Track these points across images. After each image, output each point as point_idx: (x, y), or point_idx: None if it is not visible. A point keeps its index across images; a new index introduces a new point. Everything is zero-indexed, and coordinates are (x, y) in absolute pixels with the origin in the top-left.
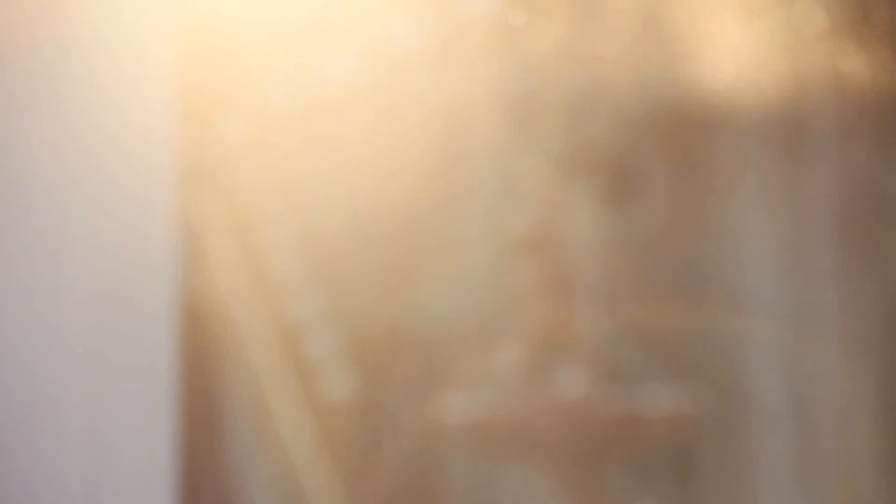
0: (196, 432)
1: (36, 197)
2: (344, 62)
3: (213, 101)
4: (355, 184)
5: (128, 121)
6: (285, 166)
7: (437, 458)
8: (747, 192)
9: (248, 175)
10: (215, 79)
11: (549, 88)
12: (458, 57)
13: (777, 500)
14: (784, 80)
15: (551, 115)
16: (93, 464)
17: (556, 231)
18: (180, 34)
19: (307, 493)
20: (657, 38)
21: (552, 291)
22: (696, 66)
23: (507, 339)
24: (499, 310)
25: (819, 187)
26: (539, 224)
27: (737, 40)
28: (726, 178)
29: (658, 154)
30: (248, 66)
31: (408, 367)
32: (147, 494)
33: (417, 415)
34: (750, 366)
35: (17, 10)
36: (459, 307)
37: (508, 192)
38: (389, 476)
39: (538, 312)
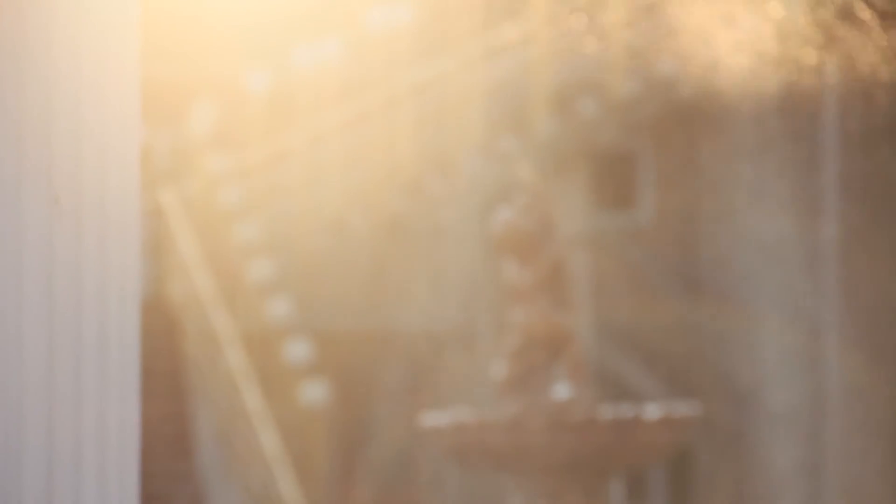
0: (168, 436)
1: None
2: (321, 48)
3: (182, 92)
4: (332, 179)
5: (90, 116)
6: (258, 159)
7: (420, 465)
8: (745, 187)
9: (219, 168)
10: (185, 71)
11: (536, 77)
12: (440, 43)
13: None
14: (783, 73)
15: (537, 104)
16: (51, 471)
17: (545, 231)
18: (145, 25)
19: (281, 500)
20: (650, 29)
21: (540, 292)
22: (691, 57)
23: (494, 342)
24: (485, 312)
25: (823, 179)
26: (527, 223)
27: (733, 31)
28: (724, 174)
29: (652, 149)
30: (222, 55)
31: (389, 372)
32: (113, 498)
33: (399, 421)
34: (749, 366)
35: None
36: (444, 310)
37: (493, 186)
38: (368, 483)
39: (526, 314)
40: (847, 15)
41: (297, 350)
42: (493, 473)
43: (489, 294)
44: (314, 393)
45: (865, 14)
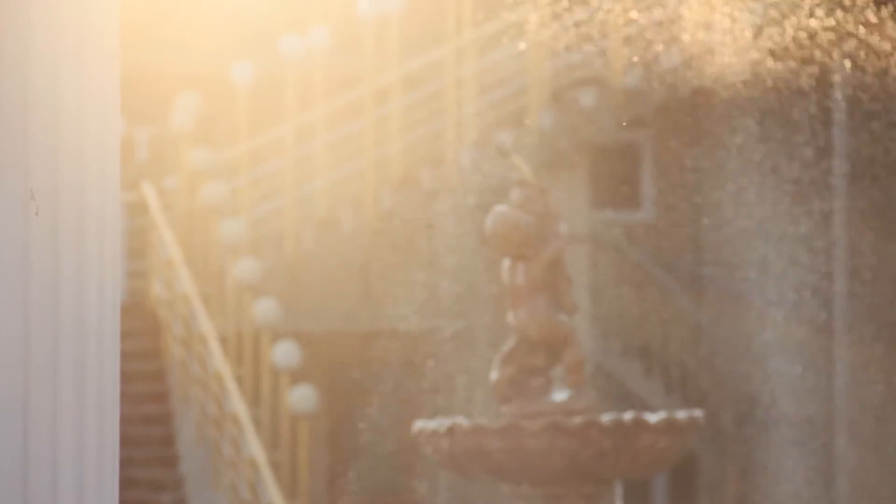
0: (151, 440)
1: None
2: (309, 38)
3: (164, 84)
4: (320, 173)
5: (68, 108)
6: (244, 153)
7: (413, 471)
8: (751, 182)
9: (203, 162)
10: (167, 62)
11: (532, 69)
12: (433, 33)
13: None
14: (790, 64)
15: (534, 96)
16: (26, 477)
17: (543, 228)
18: (126, 14)
19: None
20: (652, 19)
21: (537, 292)
22: (691, 47)
23: (490, 344)
24: (480, 313)
25: (832, 174)
26: (524, 219)
27: (733, 18)
28: (729, 168)
29: (654, 143)
30: (206, 46)
31: (380, 374)
32: None
33: (390, 425)
34: (756, 368)
35: None
36: (437, 310)
37: (489, 181)
38: (358, 490)
39: (523, 315)
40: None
41: (285, 352)
42: (489, 480)
43: (484, 294)
44: (302, 396)
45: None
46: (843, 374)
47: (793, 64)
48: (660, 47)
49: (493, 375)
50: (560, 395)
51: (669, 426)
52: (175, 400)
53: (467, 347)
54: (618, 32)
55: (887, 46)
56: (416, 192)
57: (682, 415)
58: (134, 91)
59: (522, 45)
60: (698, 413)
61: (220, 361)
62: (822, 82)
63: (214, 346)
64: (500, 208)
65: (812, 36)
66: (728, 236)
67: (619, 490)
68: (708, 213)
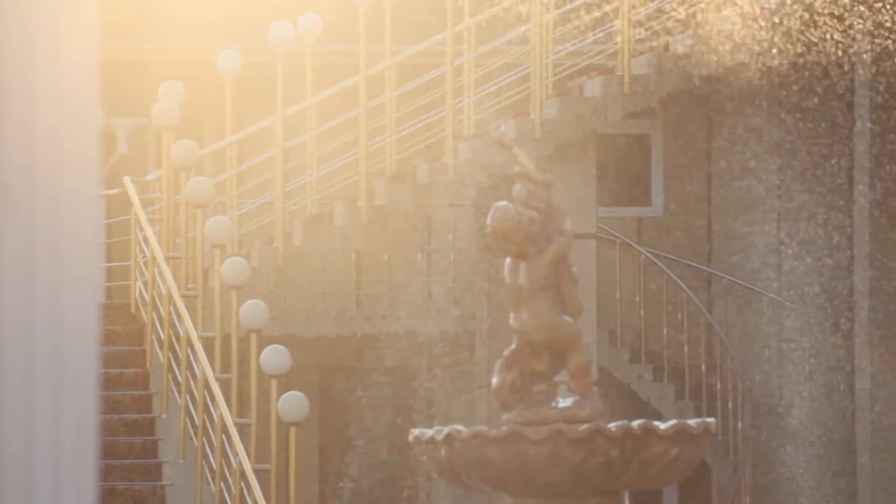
0: (134, 449)
1: None
2: (300, 25)
3: (146, 73)
4: (312, 167)
5: (44, 99)
6: (231, 147)
7: (408, 482)
8: (766, 174)
9: (188, 156)
10: (150, 50)
11: (537, 57)
12: (431, 19)
13: None
14: (806, 49)
15: (539, 85)
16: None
17: (546, 225)
18: (105, 0)
19: None
20: (659, 4)
21: (540, 292)
22: (700, 37)
23: (490, 347)
24: (480, 314)
25: (851, 166)
26: (526, 216)
27: (751, 6)
28: (742, 159)
29: (664, 134)
30: (191, 33)
31: (374, 379)
32: None
33: (385, 433)
34: (770, 371)
35: None
36: (435, 311)
37: (490, 176)
38: (351, 501)
39: (525, 317)
40: None
41: (274, 356)
42: (489, 491)
43: (485, 294)
44: (292, 403)
45: None
46: (863, 378)
47: (807, 48)
48: (670, 33)
49: (494, 380)
50: (564, 402)
51: (681, 434)
52: (158, 406)
53: (466, 351)
54: (626, 17)
55: None
56: (411, 187)
57: (693, 422)
58: (113, 80)
59: (525, 31)
60: (711, 420)
61: (205, 366)
62: (840, 68)
63: (200, 350)
64: (501, 204)
65: (826, 16)
66: (743, 232)
67: (627, 501)
68: (720, 208)
